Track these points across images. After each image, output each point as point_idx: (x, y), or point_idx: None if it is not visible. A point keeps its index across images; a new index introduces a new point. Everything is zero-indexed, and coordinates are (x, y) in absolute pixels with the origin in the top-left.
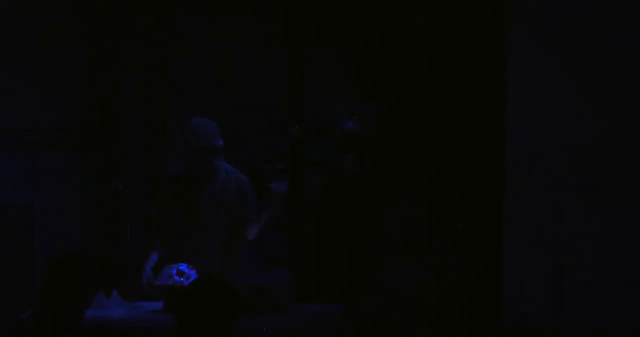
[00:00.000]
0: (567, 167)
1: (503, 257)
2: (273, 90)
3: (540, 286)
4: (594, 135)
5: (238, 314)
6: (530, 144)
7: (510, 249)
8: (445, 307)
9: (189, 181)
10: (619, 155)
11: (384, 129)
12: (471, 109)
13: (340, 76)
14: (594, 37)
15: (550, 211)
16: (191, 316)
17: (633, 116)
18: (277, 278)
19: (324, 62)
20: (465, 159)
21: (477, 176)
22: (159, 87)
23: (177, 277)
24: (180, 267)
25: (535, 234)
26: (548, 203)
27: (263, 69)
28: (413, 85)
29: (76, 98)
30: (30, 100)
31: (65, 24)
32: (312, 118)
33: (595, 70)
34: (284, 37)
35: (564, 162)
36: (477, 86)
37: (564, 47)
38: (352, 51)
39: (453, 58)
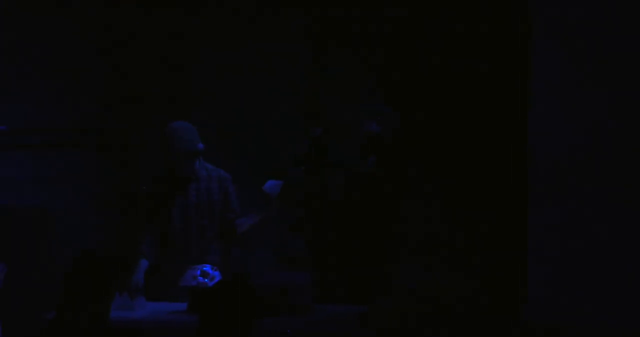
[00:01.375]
0: (590, 167)
1: (525, 257)
2: (294, 91)
3: (562, 286)
4: (616, 136)
5: (260, 315)
6: (552, 144)
7: (533, 249)
8: (466, 307)
9: (172, 182)
10: None
11: (405, 130)
12: (492, 110)
13: (362, 77)
14: (615, 39)
15: (572, 212)
16: (214, 317)
17: None
18: (298, 279)
19: (346, 63)
20: (486, 160)
21: (498, 177)
22: (179, 87)
23: (200, 278)
24: (204, 269)
25: (558, 234)
26: (570, 204)
27: (284, 70)
28: (434, 87)
29: (96, 99)
30: (50, 101)
31: (85, 25)
32: (333, 119)
33: (616, 72)
34: (306, 38)
35: (587, 163)
36: (498, 87)
37: (586, 50)
38: (374, 52)
39: (475, 59)
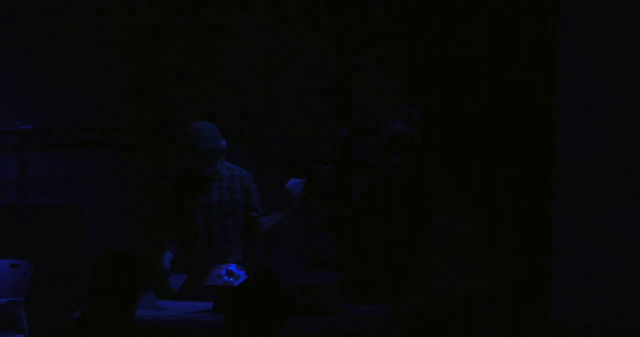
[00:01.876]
0: (615, 168)
1: (552, 257)
2: (321, 91)
3: (589, 286)
4: None
5: (286, 314)
6: (577, 145)
7: (560, 249)
8: (494, 307)
9: (195, 181)
10: None
11: (431, 131)
12: (518, 111)
13: (388, 77)
14: (638, 41)
15: (598, 212)
16: (240, 316)
17: None
18: (324, 279)
19: (373, 63)
20: (512, 160)
21: (524, 177)
22: (206, 87)
23: (226, 278)
24: (230, 268)
25: (584, 234)
26: (596, 204)
27: (311, 69)
28: (461, 87)
29: (125, 99)
30: (80, 101)
31: (112, 27)
32: (359, 120)
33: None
34: (332, 38)
35: (612, 163)
36: (525, 88)
37: (610, 51)
38: (400, 53)
39: (501, 60)
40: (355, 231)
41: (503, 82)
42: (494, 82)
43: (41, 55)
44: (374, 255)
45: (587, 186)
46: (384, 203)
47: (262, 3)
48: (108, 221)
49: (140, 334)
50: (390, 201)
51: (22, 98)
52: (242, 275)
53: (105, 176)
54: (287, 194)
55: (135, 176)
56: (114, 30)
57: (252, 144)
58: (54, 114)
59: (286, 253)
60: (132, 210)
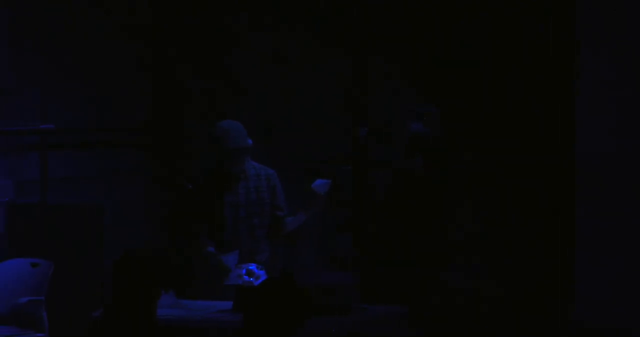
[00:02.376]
0: (637, 169)
1: (574, 257)
2: (339, 91)
3: (611, 287)
4: None
5: (305, 314)
6: (599, 146)
7: (582, 249)
8: (511, 308)
9: (221, 180)
10: None
11: (450, 131)
12: (539, 111)
13: (406, 77)
14: None
15: (621, 212)
16: (260, 316)
17: None
18: (342, 279)
19: (390, 63)
20: (532, 159)
21: (545, 176)
22: (223, 86)
23: (246, 277)
24: (250, 267)
25: (606, 234)
26: (619, 204)
27: (330, 69)
28: (480, 88)
29: (143, 99)
30: (99, 101)
31: (128, 26)
32: (378, 119)
33: None
34: (349, 38)
35: (634, 163)
36: (545, 88)
37: (631, 52)
38: (418, 52)
39: (521, 61)
40: (374, 230)
41: (524, 81)
42: (515, 82)
43: (60, 56)
44: (393, 255)
45: (609, 186)
46: (403, 203)
47: (279, 3)
48: (127, 221)
49: (161, 334)
50: (409, 201)
51: (42, 98)
52: (262, 275)
53: (124, 175)
54: (311, 194)
55: (153, 175)
56: (132, 31)
57: (268, 144)
58: (74, 114)
59: (305, 253)
60: (150, 209)
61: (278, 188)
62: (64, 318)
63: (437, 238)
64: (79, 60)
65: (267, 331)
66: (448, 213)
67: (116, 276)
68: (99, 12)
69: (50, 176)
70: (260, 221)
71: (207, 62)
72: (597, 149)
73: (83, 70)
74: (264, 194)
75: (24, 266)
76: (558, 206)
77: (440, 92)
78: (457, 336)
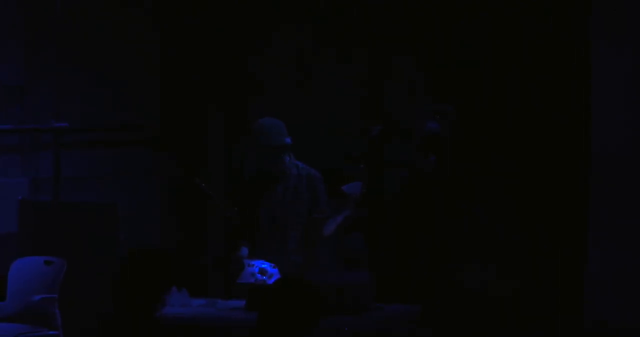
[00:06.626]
0: None
1: (587, 257)
2: (353, 90)
3: (624, 287)
4: None
5: (319, 313)
6: (613, 144)
7: (595, 249)
8: (524, 308)
9: (263, 180)
10: None
11: (465, 130)
12: (554, 110)
13: (421, 76)
14: None
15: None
16: (273, 315)
17: None
18: (357, 278)
19: (405, 62)
20: (546, 159)
21: (559, 176)
22: (238, 85)
23: (259, 276)
24: (263, 266)
25: (620, 234)
26: (634, 204)
27: (344, 69)
28: (495, 86)
29: (158, 98)
30: (114, 100)
31: (141, 24)
32: (392, 118)
33: None
34: (365, 37)
35: None
36: (560, 87)
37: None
38: (433, 52)
39: (536, 59)
40: (388, 230)
41: (539, 80)
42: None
43: (75, 55)
44: (407, 254)
45: (623, 185)
46: (417, 202)
47: (295, 4)
48: (141, 219)
49: (172, 332)
50: (424, 200)
51: (57, 97)
52: (275, 273)
53: (138, 173)
54: (344, 196)
55: (168, 173)
56: (146, 30)
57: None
58: (88, 112)
59: (320, 252)
60: (164, 208)
61: (319, 190)
62: (77, 316)
63: (450, 237)
64: (93, 59)
65: (282, 330)
66: (460, 213)
67: (126, 273)
68: (114, 11)
69: (64, 174)
70: (296, 220)
71: (226, 62)
72: (611, 147)
73: (98, 69)
74: (302, 195)
75: (37, 264)
76: (571, 204)
77: (456, 92)
78: (468, 336)
